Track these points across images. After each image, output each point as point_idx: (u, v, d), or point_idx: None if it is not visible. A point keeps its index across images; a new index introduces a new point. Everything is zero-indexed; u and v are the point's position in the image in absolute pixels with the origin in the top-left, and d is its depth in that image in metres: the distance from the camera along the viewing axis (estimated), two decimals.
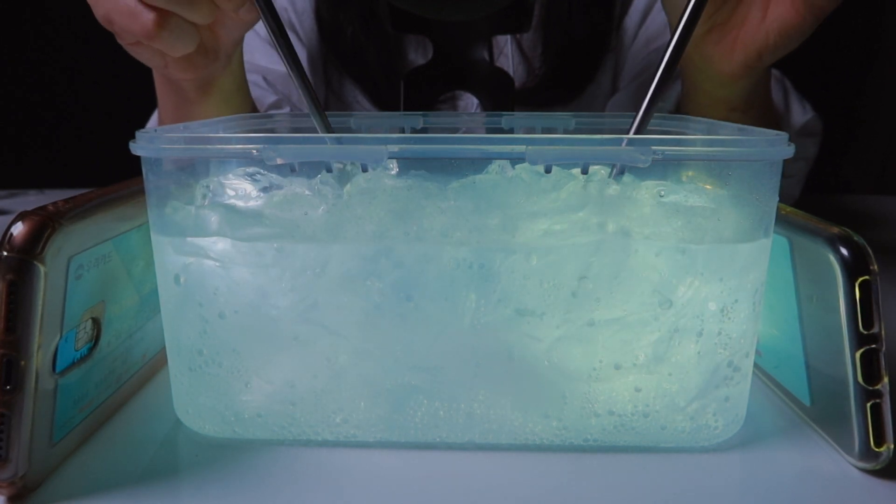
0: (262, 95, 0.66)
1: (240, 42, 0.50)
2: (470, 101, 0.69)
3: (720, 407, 0.30)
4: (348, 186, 0.29)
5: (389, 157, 0.27)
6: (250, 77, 0.66)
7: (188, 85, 0.48)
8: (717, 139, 0.27)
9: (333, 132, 0.36)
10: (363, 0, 0.68)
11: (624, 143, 0.27)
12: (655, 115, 0.39)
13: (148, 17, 0.37)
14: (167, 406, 0.32)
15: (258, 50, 0.69)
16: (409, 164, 0.29)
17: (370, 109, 0.72)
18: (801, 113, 0.64)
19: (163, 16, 0.38)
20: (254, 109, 0.61)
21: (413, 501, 0.27)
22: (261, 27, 0.69)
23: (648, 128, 0.39)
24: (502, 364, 0.29)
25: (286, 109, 0.67)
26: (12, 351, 0.25)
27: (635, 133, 0.31)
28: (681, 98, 0.58)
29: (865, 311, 0.27)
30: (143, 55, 0.42)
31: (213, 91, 0.50)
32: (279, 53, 0.33)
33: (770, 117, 0.58)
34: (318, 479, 0.28)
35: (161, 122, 0.58)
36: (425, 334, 0.29)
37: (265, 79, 0.67)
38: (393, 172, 0.29)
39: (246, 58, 0.69)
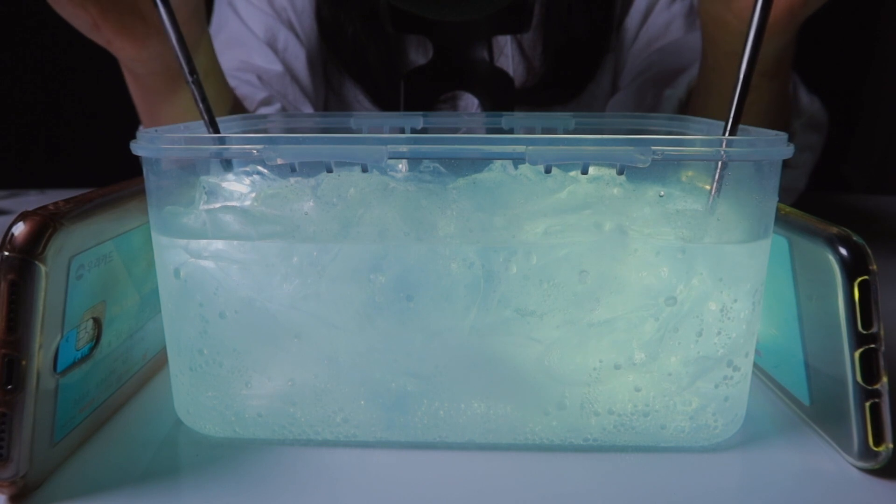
0: (253, 93, 0.65)
1: (190, 20, 0.48)
2: (470, 101, 0.70)
3: (720, 406, 0.30)
4: (351, 190, 0.29)
5: (389, 158, 0.27)
6: (244, 76, 0.66)
7: (143, 69, 0.47)
8: (717, 139, 0.28)
9: (219, 132, 0.33)
10: (363, 0, 0.68)
11: (724, 145, 0.27)
12: (656, 115, 0.39)
13: None
14: (168, 406, 0.32)
15: (255, 50, 0.69)
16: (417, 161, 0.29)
17: (370, 109, 0.72)
18: (808, 101, 0.64)
19: None
20: (237, 103, 0.61)
21: (413, 501, 0.27)
22: (258, 27, 0.70)
23: (648, 128, 0.39)
24: (502, 364, 0.29)
25: (277, 105, 0.67)
26: (13, 350, 0.25)
27: (729, 133, 0.30)
28: (697, 80, 0.57)
29: (864, 310, 0.27)
30: (62, 7, 0.42)
31: (183, 84, 0.49)
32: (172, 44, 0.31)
33: (787, 95, 0.57)
34: (318, 479, 0.28)
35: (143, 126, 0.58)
36: (425, 334, 0.29)
37: (259, 78, 0.67)
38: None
39: (242, 57, 0.69)
